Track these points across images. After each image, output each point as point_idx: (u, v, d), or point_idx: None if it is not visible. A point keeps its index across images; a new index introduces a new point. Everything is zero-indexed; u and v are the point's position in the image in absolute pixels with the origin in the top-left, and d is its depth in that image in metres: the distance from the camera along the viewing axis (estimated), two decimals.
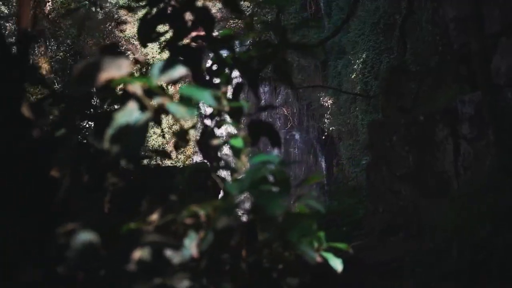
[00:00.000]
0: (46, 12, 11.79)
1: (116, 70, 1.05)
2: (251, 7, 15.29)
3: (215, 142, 1.57)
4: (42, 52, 11.81)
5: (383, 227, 6.41)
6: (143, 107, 1.07)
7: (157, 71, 1.10)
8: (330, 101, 16.53)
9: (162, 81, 1.10)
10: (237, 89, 1.77)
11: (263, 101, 19.89)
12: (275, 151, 18.91)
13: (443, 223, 4.51)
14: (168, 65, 1.11)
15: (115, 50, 1.53)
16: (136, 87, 1.08)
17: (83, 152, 1.39)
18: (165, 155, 1.62)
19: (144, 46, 1.90)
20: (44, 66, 11.48)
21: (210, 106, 1.12)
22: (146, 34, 1.79)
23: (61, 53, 12.40)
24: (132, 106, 1.08)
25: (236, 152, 1.43)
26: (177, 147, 1.71)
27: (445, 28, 6.49)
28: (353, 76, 14.41)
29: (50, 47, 12.39)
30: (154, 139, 16.48)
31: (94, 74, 1.04)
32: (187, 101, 1.02)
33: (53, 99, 1.65)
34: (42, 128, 1.48)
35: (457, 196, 4.80)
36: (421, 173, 5.97)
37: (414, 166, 6.10)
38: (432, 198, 5.54)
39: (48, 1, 11.74)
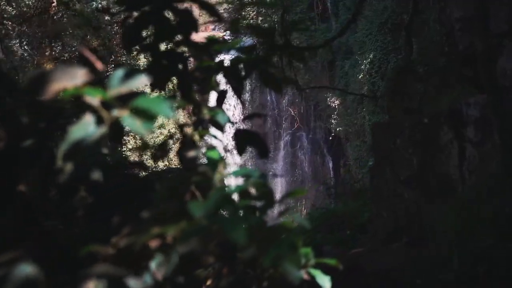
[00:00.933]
0: (51, 13, 11.77)
1: (69, 79, 0.96)
2: (256, 7, 15.19)
3: (195, 153, 1.47)
4: (47, 53, 11.79)
5: (387, 231, 6.29)
6: (99, 120, 0.98)
7: (116, 80, 1.01)
8: (337, 102, 16.41)
9: (121, 91, 1.00)
10: (221, 96, 1.68)
11: (269, 101, 19.81)
12: (281, 155, 18.74)
13: (445, 227, 4.40)
14: (128, 74, 1.02)
15: (84, 58, 1.45)
16: (93, 99, 0.99)
17: (50, 165, 1.31)
18: (141, 166, 1.53)
19: (129, 50, 1.83)
20: (49, 67, 11.46)
21: (168, 118, 1.02)
22: (132, 38, 1.71)
23: (66, 54, 12.37)
24: (88, 119, 0.99)
25: (213, 164, 1.34)
26: (155, 158, 1.62)
27: (451, 28, 6.36)
28: (360, 76, 14.27)
29: (55, 48, 12.36)
30: (160, 139, 16.41)
31: (45, 83, 0.95)
32: (145, 114, 0.93)
33: (27, 108, 1.57)
34: (10, 138, 1.39)
35: (459, 200, 4.68)
36: (425, 176, 5.84)
37: (418, 168, 5.97)
38: (436, 202, 5.41)
39: (53, 2, 11.71)
